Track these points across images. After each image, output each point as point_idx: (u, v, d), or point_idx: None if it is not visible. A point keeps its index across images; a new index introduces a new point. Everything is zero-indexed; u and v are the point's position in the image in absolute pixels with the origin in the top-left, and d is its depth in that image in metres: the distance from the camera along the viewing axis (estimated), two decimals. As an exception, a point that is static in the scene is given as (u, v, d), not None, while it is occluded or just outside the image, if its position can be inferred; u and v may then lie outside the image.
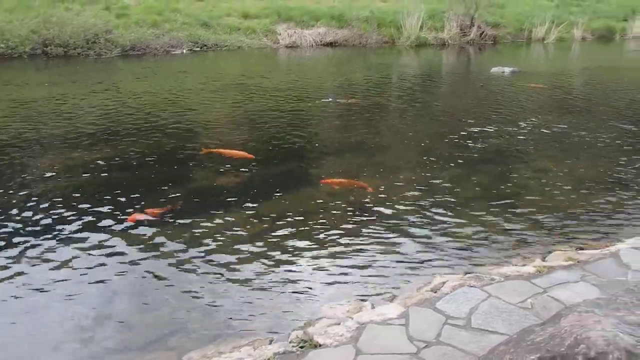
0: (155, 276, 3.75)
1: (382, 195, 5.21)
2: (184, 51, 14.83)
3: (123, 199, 4.96)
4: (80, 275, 3.74)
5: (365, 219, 4.72)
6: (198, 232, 4.38)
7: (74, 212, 4.66)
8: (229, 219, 4.63)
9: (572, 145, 7.01)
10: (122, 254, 4.02)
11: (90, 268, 3.83)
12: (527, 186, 5.58)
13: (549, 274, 3.52)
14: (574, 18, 21.69)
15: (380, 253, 4.14)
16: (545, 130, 7.65)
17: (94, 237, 4.25)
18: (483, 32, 19.55)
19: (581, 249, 4.19)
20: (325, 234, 4.40)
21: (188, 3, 17.23)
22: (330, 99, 9.36)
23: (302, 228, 4.50)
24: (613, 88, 12.09)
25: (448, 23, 18.94)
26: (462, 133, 7.41)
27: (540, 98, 10.33)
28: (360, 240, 4.33)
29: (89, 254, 4.01)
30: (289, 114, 8.32)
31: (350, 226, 4.57)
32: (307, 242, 4.26)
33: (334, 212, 4.82)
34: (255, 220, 4.61)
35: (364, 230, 4.50)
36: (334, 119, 8.23)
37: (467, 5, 19.08)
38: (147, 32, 14.74)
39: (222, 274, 3.78)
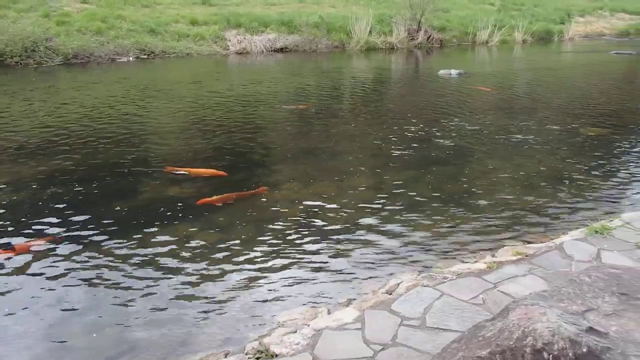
0: (100, 294, 3.62)
1: (335, 200, 5.24)
2: (131, 59, 14.52)
3: (55, 218, 4.80)
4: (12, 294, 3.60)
5: (319, 224, 4.73)
6: (147, 246, 4.27)
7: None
8: (179, 230, 4.55)
9: (517, 144, 7.24)
10: (60, 271, 3.88)
11: (18, 290, 3.65)
12: (476, 185, 5.72)
13: (498, 270, 3.61)
14: (515, 22, 22.43)
15: (335, 258, 4.16)
16: (492, 131, 7.87)
17: (19, 259, 4.04)
18: (430, 36, 19.96)
19: (528, 243, 4.33)
20: (278, 242, 4.39)
21: (133, 10, 16.88)
22: (282, 106, 9.36)
23: (255, 237, 4.47)
24: (552, 88, 12.57)
25: (396, 28, 19.25)
26: (413, 135, 7.54)
27: (486, 99, 10.63)
28: (315, 246, 4.33)
29: (18, 274, 3.85)
30: (240, 121, 8.26)
31: (304, 232, 4.56)
32: (260, 251, 4.24)
33: (287, 219, 4.81)
34: (206, 231, 4.55)
35: (317, 235, 4.51)
36: (287, 125, 8.22)
37: (413, 10, 19.44)
38: (90, 40, 14.33)
39: (173, 288, 3.70)
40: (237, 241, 4.37)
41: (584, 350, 1.85)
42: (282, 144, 7.31)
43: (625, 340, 1.94)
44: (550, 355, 1.84)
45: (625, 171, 6.21)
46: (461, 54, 19.30)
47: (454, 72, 13.17)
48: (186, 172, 5.81)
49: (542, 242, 4.22)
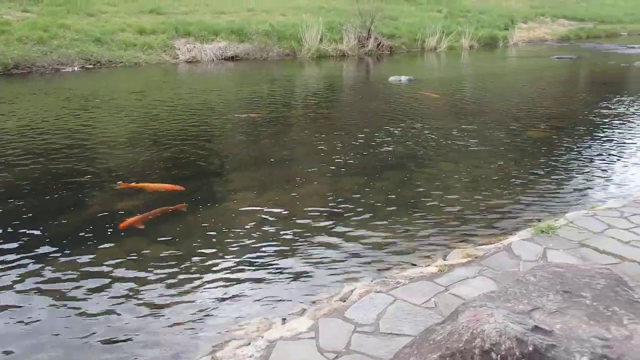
0: (44, 308, 3.49)
1: (288, 208, 5.22)
2: (76, 69, 14.11)
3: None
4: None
5: (272, 233, 4.69)
6: (95, 260, 4.14)
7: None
8: (128, 244, 4.43)
9: (466, 147, 7.40)
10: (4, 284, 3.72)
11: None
12: (428, 189, 5.81)
13: (449, 272, 3.67)
14: (462, 28, 23.03)
15: (289, 266, 4.13)
16: (441, 135, 8.02)
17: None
18: (380, 43, 20.25)
19: (478, 245, 4.42)
20: (231, 252, 4.33)
21: (77, 19, 16.43)
22: (233, 115, 9.28)
23: (207, 247, 4.40)
24: (498, 92, 12.96)
25: (346, 35, 19.44)
26: (365, 141, 7.61)
27: (435, 105, 10.84)
28: (268, 255, 4.29)
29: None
30: (192, 131, 8.13)
31: (257, 241, 4.52)
32: (213, 262, 4.17)
33: (240, 228, 4.76)
34: (157, 244, 4.45)
35: (271, 244, 4.48)
36: (239, 134, 8.15)
37: (363, 18, 19.69)
38: (32, 50, 13.85)
39: (120, 302, 3.59)
40: (189, 252, 4.29)
41: (530, 348, 1.89)
42: (234, 153, 7.24)
43: (569, 337, 2.00)
44: (498, 356, 1.88)
45: (568, 172, 6.43)
46: (411, 61, 19.65)
47: (404, 78, 13.39)
48: (142, 188, 5.59)
49: (491, 244, 4.31)
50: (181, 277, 3.93)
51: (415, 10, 26.75)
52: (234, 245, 4.45)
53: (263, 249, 4.40)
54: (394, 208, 5.26)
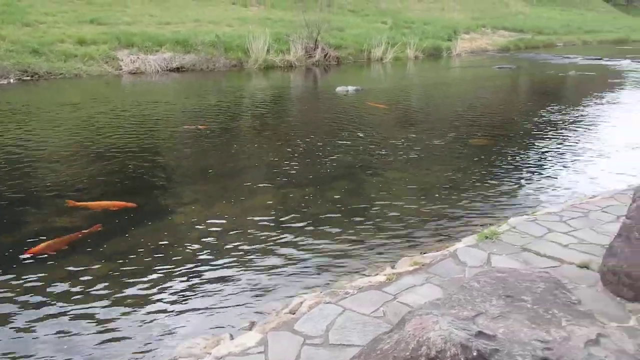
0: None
1: (237, 220, 5.17)
2: (12, 81, 13.54)
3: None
4: None
5: (221, 246, 4.63)
6: (35, 279, 3.96)
7: None
8: (72, 262, 4.26)
9: (411, 156, 7.53)
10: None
11: None
12: (376, 198, 5.86)
13: (397, 281, 3.69)
14: (406, 39, 23.52)
15: (237, 280, 4.08)
16: (388, 145, 8.14)
17: None
18: (327, 53, 20.40)
19: (426, 252, 4.48)
20: (178, 267, 4.24)
21: (13, 29, 15.79)
22: (181, 127, 9.12)
23: (154, 263, 4.29)
24: (442, 102, 13.28)
25: (293, 46, 19.49)
26: (313, 152, 7.62)
27: (381, 114, 11.00)
28: (216, 269, 4.23)
29: None
30: (137, 144, 7.93)
31: (205, 255, 4.45)
32: (160, 278, 4.07)
33: (188, 242, 4.67)
34: (101, 261, 4.30)
35: (219, 258, 4.41)
36: (186, 146, 8.01)
37: (310, 29, 19.81)
38: (-36, 62, 13.24)
39: (61, 322, 3.44)
40: (136, 269, 4.17)
41: (474, 354, 1.91)
42: (182, 165, 7.11)
43: (511, 340, 2.04)
44: (444, 363, 1.89)
45: (510, 178, 6.63)
46: (357, 71, 19.89)
47: (351, 88, 13.53)
48: (91, 206, 5.36)
49: (438, 251, 4.38)
50: (127, 294, 3.82)
51: (361, 22, 27.15)
52: (182, 260, 4.35)
53: (211, 263, 4.33)
54: (343, 218, 5.28)
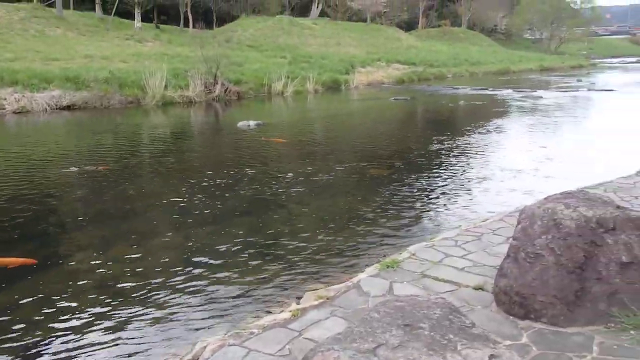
0: None
1: (136, 264, 4.93)
2: None
3: None
4: None
5: (117, 292, 4.37)
6: None
7: None
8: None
9: (315, 188, 7.60)
10: None
11: None
12: (280, 232, 5.83)
13: (302, 316, 3.65)
14: (305, 73, 24.06)
15: (138, 327, 3.87)
16: (290, 178, 8.17)
17: None
18: (227, 88, 20.37)
19: (330, 285, 4.48)
20: (73, 317, 3.95)
21: None
22: (74, 168, 8.61)
23: (48, 315, 3.97)
24: (342, 134, 13.64)
25: (192, 81, 19.29)
26: (214, 188, 7.49)
27: (283, 148, 11.07)
28: (114, 318, 3.98)
29: None
30: (24, 189, 7.40)
31: (102, 303, 4.18)
32: (53, 328, 3.76)
33: (80, 292, 4.38)
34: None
35: (117, 305, 4.16)
36: (78, 189, 7.58)
37: (208, 64, 19.71)
38: None
39: None
40: (27, 322, 3.83)
41: (376, 389, 1.91)
42: (74, 209, 6.71)
43: (411, 371, 2.06)
44: (346, 401, 1.87)
45: (408, 206, 6.86)
46: (259, 105, 20.00)
47: (252, 123, 13.54)
48: None
49: (342, 283, 4.40)
50: (18, 350, 3.47)
51: (260, 56, 27.50)
52: (77, 310, 4.06)
53: (109, 311, 4.08)
54: (247, 255, 5.19)
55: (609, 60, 65.45)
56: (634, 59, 65.51)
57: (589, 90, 24.92)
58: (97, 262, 4.97)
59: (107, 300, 4.25)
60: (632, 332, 3.11)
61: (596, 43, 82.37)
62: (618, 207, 3.52)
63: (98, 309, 4.11)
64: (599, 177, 7.22)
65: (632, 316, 3.15)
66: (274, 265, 4.98)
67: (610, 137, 11.93)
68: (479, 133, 12.65)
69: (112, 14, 32.59)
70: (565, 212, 3.38)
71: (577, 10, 70.49)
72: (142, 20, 34.10)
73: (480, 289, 3.90)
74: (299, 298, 4.27)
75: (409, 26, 57.91)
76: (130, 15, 33.87)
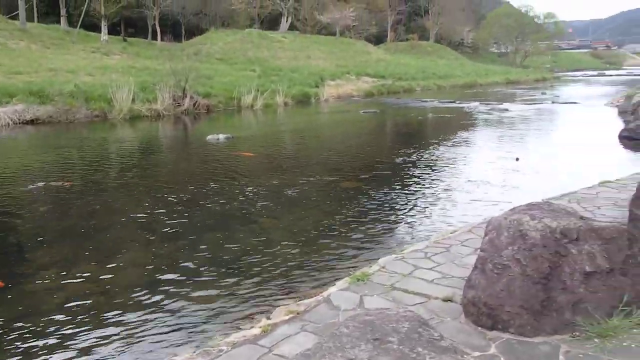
0: None
1: (102, 282, 4.81)
2: None
3: None
4: None
5: (83, 312, 4.26)
6: None
7: None
8: None
9: (285, 201, 7.58)
10: None
11: None
12: (249, 247, 5.78)
13: (272, 332, 3.62)
14: (275, 86, 24.09)
15: (103, 347, 3.77)
16: (261, 192, 8.13)
17: None
18: (196, 102, 20.23)
19: (301, 299, 4.45)
20: (36, 339, 3.82)
21: None
22: (37, 184, 8.40)
23: (7, 340, 3.83)
24: (312, 146, 13.66)
25: (160, 95, 19.10)
26: (184, 203, 7.39)
27: (253, 162, 11.02)
28: (78, 339, 3.87)
29: None
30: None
31: (65, 324, 4.06)
32: (16, 352, 3.62)
33: (45, 312, 4.25)
34: None
35: (82, 326, 4.05)
36: (42, 205, 7.39)
37: (177, 77, 19.57)
38: None
39: None
40: (-24, 351, 3.68)
41: (345, 405, 1.89)
42: (37, 227, 6.54)
43: (380, 386, 2.05)
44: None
45: (379, 218, 6.89)
46: (228, 119, 19.91)
47: (221, 136, 13.47)
48: None
49: (312, 297, 4.37)
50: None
51: (230, 70, 27.44)
52: (40, 332, 3.93)
53: (73, 332, 3.96)
54: (217, 271, 5.13)
55: (571, 73, 67.50)
56: (595, 72, 67.86)
57: (553, 103, 25.58)
58: (61, 281, 4.85)
59: (72, 321, 4.13)
60: (596, 340, 3.16)
61: (559, 57, 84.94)
62: (581, 217, 3.60)
63: (62, 331, 4.00)
64: (564, 188, 7.38)
65: (596, 324, 3.21)
66: (244, 281, 4.92)
67: (573, 148, 12.24)
68: (447, 145, 12.83)
69: (78, 26, 32.13)
70: (531, 223, 3.43)
71: (541, 25, 72.52)
72: (109, 33, 33.72)
73: (449, 300, 3.93)
74: (269, 313, 4.23)
75: (378, 40, 58.69)
76: (96, 28, 33.46)
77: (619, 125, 14.79)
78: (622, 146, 12.18)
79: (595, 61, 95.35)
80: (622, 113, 17.88)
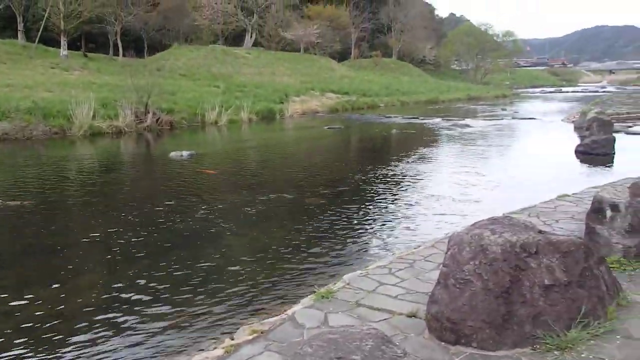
0: None
1: (59, 305, 4.66)
2: None
3: None
4: None
5: (37, 337, 4.10)
6: None
7: None
8: None
9: (249, 219, 7.52)
10: None
11: None
12: (213, 265, 5.70)
13: (236, 352, 3.55)
14: (240, 102, 24.01)
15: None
16: (225, 209, 8.05)
17: None
18: (159, 118, 19.97)
19: (265, 318, 4.40)
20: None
21: None
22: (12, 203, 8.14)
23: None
24: (277, 163, 13.63)
25: (122, 111, 18.78)
26: (146, 222, 7.26)
27: (217, 179, 10.92)
28: (30, 365, 3.72)
29: None
30: None
31: (18, 349, 3.90)
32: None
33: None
34: None
35: (34, 353, 3.89)
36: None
37: (139, 93, 19.30)
38: None
39: None
40: None
41: None
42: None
43: (344, 406, 2.03)
44: None
45: (342, 235, 6.89)
46: (192, 135, 19.71)
47: (185, 153, 13.31)
48: None
49: (277, 315, 4.32)
50: None
51: (193, 85, 27.25)
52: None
53: (28, 357, 3.80)
54: (178, 290, 5.03)
55: (530, 89, 69.60)
56: (552, 89, 70.16)
57: (513, 118, 26.26)
58: (15, 304, 4.67)
59: (26, 346, 3.98)
60: (555, 352, 3.21)
61: (518, 74, 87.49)
62: (540, 231, 3.67)
63: (15, 356, 3.84)
64: (523, 202, 7.54)
65: (555, 337, 3.27)
66: (207, 300, 4.84)
67: (532, 163, 12.56)
68: (410, 161, 12.98)
69: (36, 41, 31.43)
70: (492, 237, 3.49)
71: (500, 43, 74.68)
72: (69, 48, 33.07)
73: (413, 316, 3.94)
74: (232, 333, 4.16)
75: (341, 56, 59.25)
76: (56, 43, 32.78)
77: (575, 140, 15.25)
78: (578, 161, 12.56)
79: (552, 78, 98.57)
80: (577, 129, 18.46)
